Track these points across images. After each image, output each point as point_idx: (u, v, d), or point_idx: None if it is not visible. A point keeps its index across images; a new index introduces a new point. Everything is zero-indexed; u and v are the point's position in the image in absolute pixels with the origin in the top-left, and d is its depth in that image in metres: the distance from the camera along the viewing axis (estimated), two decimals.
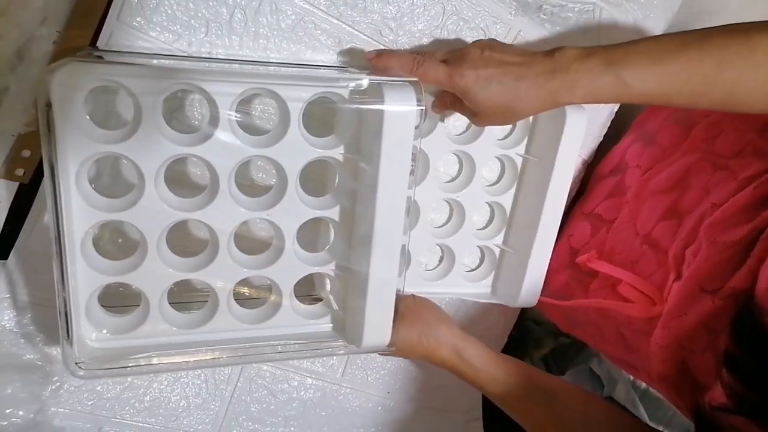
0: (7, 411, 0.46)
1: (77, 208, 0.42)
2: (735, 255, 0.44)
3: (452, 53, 0.48)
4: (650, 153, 0.60)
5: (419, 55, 0.47)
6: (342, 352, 0.53)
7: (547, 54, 0.45)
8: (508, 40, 0.56)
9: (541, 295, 0.64)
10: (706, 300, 0.44)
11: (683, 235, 0.51)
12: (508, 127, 0.59)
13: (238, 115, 0.44)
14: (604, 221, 0.61)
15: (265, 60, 0.49)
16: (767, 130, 0.51)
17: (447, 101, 0.51)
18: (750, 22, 0.42)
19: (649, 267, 0.55)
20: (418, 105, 0.44)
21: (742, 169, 0.50)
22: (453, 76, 0.45)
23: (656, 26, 0.61)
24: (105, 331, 0.46)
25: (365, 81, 0.46)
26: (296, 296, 0.52)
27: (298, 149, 0.46)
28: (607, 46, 0.45)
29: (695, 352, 0.45)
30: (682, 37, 0.43)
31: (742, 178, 0.49)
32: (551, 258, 0.61)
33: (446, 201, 0.59)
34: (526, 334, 0.95)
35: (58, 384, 0.50)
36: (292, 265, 0.50)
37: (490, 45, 0.47)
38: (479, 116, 0.48)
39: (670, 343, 0.47)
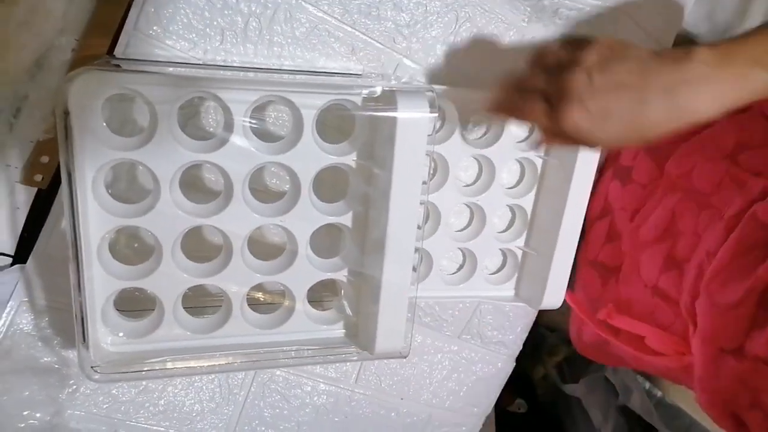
0: (25, 413, 0.47)
1: (93, 213, 0.43)
2: (740, 315, 0.43)
3: (552, 82, 0.40)
4: (631, 192, 0.59)
5: (513, 89, 0.41)
6: (355, 358, 0.53)
7: (672, 59, 0.37)
8: (520, 48, 0.56)
9: (579, 346, 0.63)
10: (730, 361, 0.43)
11: (688, 287, 0.50)
12: (527, 127, 0.59)
13: (253, 122, 0.45)
14: (610, 270, 0.61)
15: (279, 68, 0.49)
16: (740, 154, 0.49)
17: (554, 140, 0.42)
18: None
19: (666, 318, 0.54)
20: (431, 112, 0.44)
21: (725, 205, 0.49)
22: (560, 121, 0.38)
23: (671, 30, 0.61)
24: (120, 335, 0.47)
25: (378, 88, 0.46)
26: (309, 302, 0.52)
27: (311, 156, 0.46)
28: (735, 41, 0.37)
29: (743, 407, 0.44)
30: None
31: (728, 218, 0.47)
32: (577, 311, 0.60)
33: (466, 205, 0.59)
34: (541, 341, 0.94)
35: (74, 387, 0.51)
36: (305, 270, 0.50)
37: (599, 64, 0.38)
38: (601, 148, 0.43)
39: (715, 403, 0.46)
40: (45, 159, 0.47)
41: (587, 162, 0.56)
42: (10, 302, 0.48)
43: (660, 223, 0.55)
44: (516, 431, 0.89)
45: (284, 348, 0.51)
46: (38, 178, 0.48)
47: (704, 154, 0.52)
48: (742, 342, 0.43)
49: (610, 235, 0.61)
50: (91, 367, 0.44)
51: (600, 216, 0.62)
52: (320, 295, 0.54)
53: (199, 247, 0.51)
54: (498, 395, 0.74)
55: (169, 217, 0.44)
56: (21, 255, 0.49)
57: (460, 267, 0.62)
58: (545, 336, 0.94)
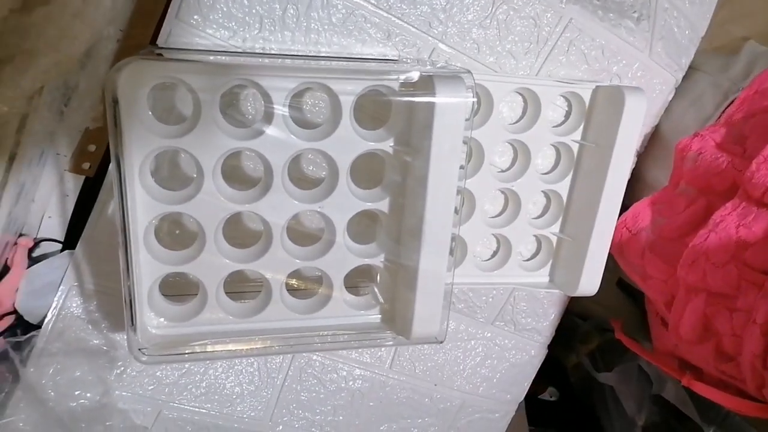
0: (76, 393, 0.49)
1: (141, 200, 0.44)
2: None
3: None
4: (655, 287, 0.58)
5: None
6: (391, 343, 0.53)
7: None
8: (558, 30, 0.55)
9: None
10: None
11: (749, 379, 0.49)
12: (564, 112, 0.58)
13: (291, 110, 0.45)
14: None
15: (317, 54, 0.50)
16: (745, 252, 0.48)
17: None
18: None
19: (741, 383, 0.52)
20: (469, 97, 0.44)
21: (752, 308, 0.48)
22: None
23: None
24: (164, 319, 0.48)
25: (416, 73, 0.46)
26: (346, 288, 0.52)
27: (349, 142, 0.47)
28: None
29: None
30: None
31: (761, 324, 0.47)
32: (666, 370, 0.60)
33: (501, 191, 0.59)
34: (573, 329, 0.93)
35: (122, 368, 0.53)
36: (343, 256, 0.50)
37: None
38: None
39: None
40: (92, 147, 0.48)
41: (625, 147, 0.55)
42: (61, 286, 0.50)
43: (697, 325, 0.54)
44: (547, 419, 0.89)
45: (322, 332, 0.51)
46: (86, 166, 0.49)
47: (709, 260, 0.51)
48: None
49: (661, 320, 0.61)
50: (139, 349, 0.45)
51: (698, 195, 0.59)
52: (356, 281, 0.55)
53: (237, 234, 0.52)
54: (531, 382, 0.74)
55: (212, 203, 0.45)
56: (70, 241, 0.51)
57: (495, 253, 0.62)
58: (578, 324, 0.93)
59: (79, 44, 0.37)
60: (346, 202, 0.49)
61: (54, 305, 0.50)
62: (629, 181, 0.59)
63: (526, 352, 0.71)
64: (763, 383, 0.47)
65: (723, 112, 0.59)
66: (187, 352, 0.47)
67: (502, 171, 0.59)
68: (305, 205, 0.48)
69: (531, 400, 0.79)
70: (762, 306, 0.46)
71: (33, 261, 0.50)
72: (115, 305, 0.51)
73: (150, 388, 0.55)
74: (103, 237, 0.50)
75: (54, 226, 0.51)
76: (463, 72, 0.45)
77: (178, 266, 0.47)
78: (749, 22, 0.81)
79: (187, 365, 0.55)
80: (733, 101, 0.58)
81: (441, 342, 0.52)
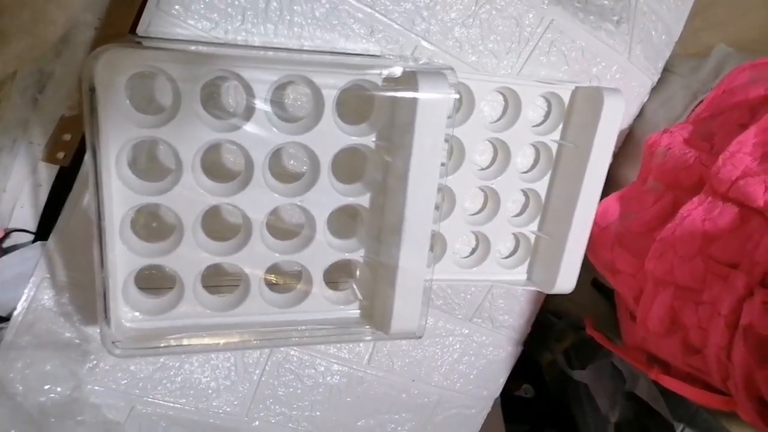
0: (46, 387, 0.48)
1: (117, 190, 0.43)
2: None
3: None
4: (624, 281, 0.59)
5: None
6: (369, 338, 0.53)
7: None
8: (540, 30, 0.56)
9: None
10: None
11: (714, 371, 0.50)
12: (544, 112, 0.59)
13: (273, 103, 0.45)
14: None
15: (300, 48, 0.49)
16: (711, 246, 0.50)
17: None
18: None
19: (707, 377, 0.54)
20: (452, 93, 0.44)
21: (717, 301, 0.49)
22: None
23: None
24: (139, 313, 0.48)
25: (399, 69, 0.46)
26: (325, 283, 0.52)
27: (331, 136, 0.47)
28: None
29: None
30: None
31: (725, 316, 0.48)
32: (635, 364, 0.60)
33: (481, 189, 0.59)
34: (548, 327, 0.95)
35: (94, 362, 0.52)
36: (323, 251, 0.50)
37: None
38: None
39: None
40: (67, 137, 0.47)
41: (603, 147, 0.56)
42: (32, 278, 0.49)
43: (665, 318, 0.55)
44: (522, 415, 0.90)
45: (300, 327, 0.51)
46: (60, 155, 0.48)
47: (677, 253, 0.52)
48: None
49: (630, 314, 0.62)
50: (113, 342, 0.44)
51: (668, 188, 0.60)
52: (336, 276, 0.55)
53: (216, 227, 0.51)
54: (506, 379, 0.75)
55: (191, 195, 0.45)
56: (42, 232, 0.50)
57: (473, 250, 0.63)
58: (553, 322, 0.94)
59: (54, 29, 0.36)
60: (326, 197, 0.48)
61: (24, 297, 0.49)
62: None
63: (503, 349, 0.71)
64: (727, 375, 0.49)
65: (692, 111, 0.60)
66: (162, 345, 0.47)
67: (482, 169, 0.60)
68: (285, 198, 0.47)
69: (507, 397, 0.80)
70: (726, 298, 0.47)
71: (3, 252, 0.49)
72: (88, 298, 0.50)
73: (123, 382, 0.54)
74: (77, 228, 0.49)
75: (26, 217, 0.50)
76: (446, 69, 0.46)
77: (155, 258, 0.46)
78: (722, 31, 0.83)
79: (161, 359, 0.55)
80: (702, 101, 0.60)
81: (419, 337, 0.52)
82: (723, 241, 0.49)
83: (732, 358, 0.47)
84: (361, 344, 0.63)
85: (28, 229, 0.50)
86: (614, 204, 0.62)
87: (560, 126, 0.58)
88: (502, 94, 0.57)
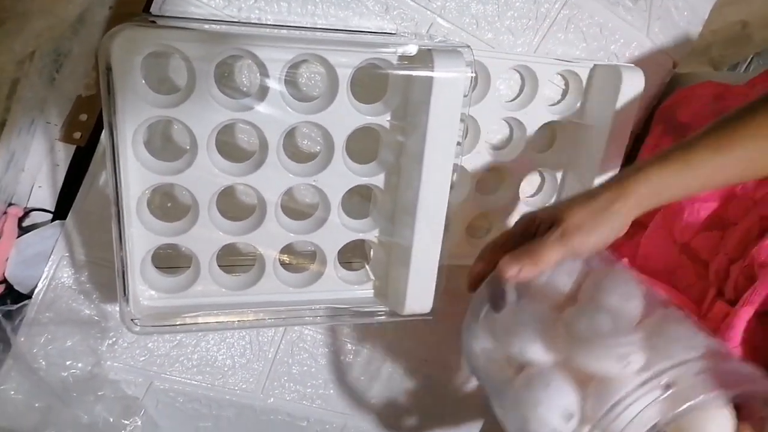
0: (68, 363, 0.49)
1: (134, 170, 0.43)
2: None
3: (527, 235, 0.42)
4: None
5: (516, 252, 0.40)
6: (383, 317, 0.54)
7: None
8: (557, 6, 0.55)
9: None
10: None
11: (728, 248, 0.49)
12: (561, 90, 0.58)
13: (287, 82, 0.45)
14: (638, 224, 0.60)
15: (313, 26, 0.49)
16: None
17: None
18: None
19: (687, 278, 0.53)
20: (468, 72, 0.44)
21: None
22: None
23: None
24: (157, 291, 0.48)
25: (414, 47, 0.45)
26: (339, 263, 0.52)
27: (345, 116, 0.46)
28: (667, 152, 0.41)
29: None
30: (728, 123, 0.40)
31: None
32: None
33: (496, 168, 0.58)
34: None
35: (114, 339, 0.53)
36: (337, 231, 0.50)
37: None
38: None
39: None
40: (84, 117, 0.48)
41: (622, 126, 0.55)
42: (51, 256, 0.50)
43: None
44: None
45: (314, 306, 0.52)
46: (77, 135, 0.48)
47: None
48: None
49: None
50: (132, 320, 0.45)
51: None
52: (349, 256, 0.55)
53: (230, 208, 0.51)
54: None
55: (206, 175, 0.45)
56: (61, 211, 0.50)
57: (488, 231, 0.62)
58: None
59: (72, 8, 0.36)
60: (341, 176, 0.48)
61: (45, 275, 0.50)
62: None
63: None
64: (737, 257, 0.48)
65: None
66: (179, 323, 0.47)
67: (498, 149, 0.59)
68: (300, 178, 0.47)
69: None
70: None
71: (23, 231, 0.50)
72: (106, 276, 0.51)
73: (141, 359, 0.55)
74: (94, 207, 0.50)
75: (44, 196, 0.50)
76: (463, 47, 0.45)
77: (171, 237, 0.47)
78: (746, 6, 0.80)
79: (179, 337, 0.55)
80: None
81: (431, 317, 0.52)
82: None
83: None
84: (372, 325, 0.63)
85: (46, 208, 0.51)
86: (712, 86, 0.60)
87: (578, 104, 0.57)
88: (518, 72, 0.56)
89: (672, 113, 0.59)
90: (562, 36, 0.57)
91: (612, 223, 0.40)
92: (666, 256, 0.56)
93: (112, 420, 0.49)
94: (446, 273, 0.51)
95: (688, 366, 0.34)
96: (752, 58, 0.91)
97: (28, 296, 0.50)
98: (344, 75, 0.45)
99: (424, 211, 0.48)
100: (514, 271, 0.39)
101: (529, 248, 0.39)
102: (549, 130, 0.60)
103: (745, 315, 0.45)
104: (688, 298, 0.52)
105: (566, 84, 0.58)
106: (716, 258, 0.50)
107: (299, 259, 0.54)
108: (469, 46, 0.45)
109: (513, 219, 0.61)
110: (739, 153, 0.39)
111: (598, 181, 0.56)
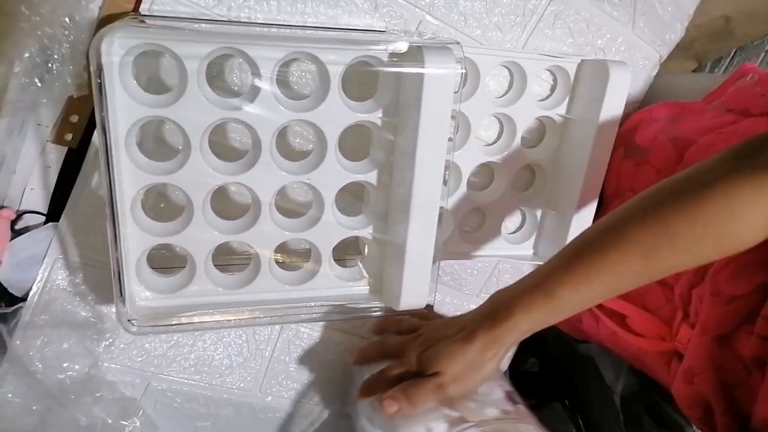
0: (65, 365, 0.49)
1: (127, 171, 0.43)
2: (738, 308, 0.44)
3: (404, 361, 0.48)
4: (644, 174, 0.59)
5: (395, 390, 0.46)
6: (379, 313, 0.54)
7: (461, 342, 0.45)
8: (544, 3, 0.55)
9: None
10: (716, 349, 0.45)
11: (688, 274, 0.50)
12: (549, 86, 0.59)
13: (278, 81, 0.45)
14: None
15: (303, 24, 0.49)
16: None
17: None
18: (635, 205, 0.39)
19: (656, 301, 0.55)
20: (458, 68, 0.44)
21: None
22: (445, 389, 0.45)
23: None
24: (152, 291, 0.48)
25: (405, 44, 0.46)
26: (334, 260, 0.53)
27: (337, 113, 0.47)
28: (525, 276, 0.44)
29: (717, 399, 0.46)
30: (595, 239, 0.40)
31: None
32: None
33: (487, 164, 0.59)
34: None
35: (110, 341, 0.53)
36: (331, 228, 0.51)
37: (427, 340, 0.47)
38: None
39: (694, 396, 0.47)
40: (75, 118, 0.48)
41: (609, 120, 0.56)
42: (45, 259, 0.50)
43: None
44: (529, 390, 0.91)
45: (310, 303, 0.52)
46: (68, 137, 0.48)
47: (728, 146, 0.52)
48: (731, 333, 0.44)
49: None
50: (128, 320, 0.45)
51: (614, 195, 0.62)
52: (344, 253, 0.56)
53: (224, 207, 0.52)
54: (514, 353, 0.76)
55: (200, 174, 0.45)
56: (53, 213, 0.50)
57: (480, 226, 0.63)
58: None
59: (61, 8, 0.36)
60: (334, 174, 0.49)
61: (39, 278, 0.50)
62: None
63: None
64: (697, 282, 0.49)
65: None
66: (175, 323, 0.47)
67: (488, 144, 0.60)
68: (294, 176, 0.48)
69: (513, 372, 0.81)
70: None
71: (16, 233, 0.50)
72: (101, 277, 0.51)
73: (138, 360, 0.55)
74: (87, 209, 0.50)
75: (36, 199, 0.50)
76: (452, 43, 0.46)
77: (166, 237, 0.47)
78: (728, 1, 0.82)
79: (175, 337, 0.56)
80: None
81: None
82: None
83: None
84: (368, 320, 0.64)
85: (39, 210, 0.50)
86: (668, 107, 0.61)
87: (566, 100, 0.58)
88: (507, 68, 0.57)
89: (630, 137, 0.61)
90: (549, 32, 0.57)
91: (484, 371, 0.45)
92: None
93: (110, 421, 0.49)
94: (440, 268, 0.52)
95: None
96: (735, 52, 0.93)
97: (23, 299, 0.50)
98: (335, 73, 0.45)
99: (418, 206, 0.48)
100: (393, 410, 0.45)
101: (408, 392, 0.45)
102: (539, 125, 0.60)
103: (703, 343, 0.46)
104: (659, 319, 0.54)
105: (554, 79, 0.59)
106: (679, 282, 0.51)
107: (294, 258, 0.55)
108: (458, 43, 0.46)
109: (505, 214, 0.62)
110: (598, 286, 0.40)
111: (589, 172, 0.57)
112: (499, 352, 0.44)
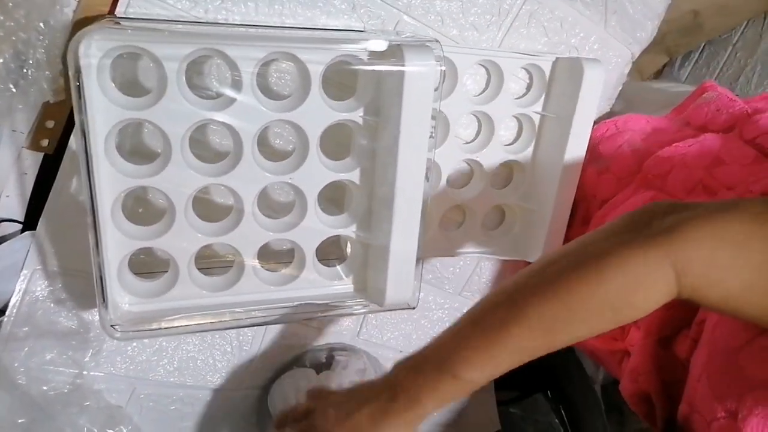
0: (49, 376, 0.48)
1: (107, 174, 0.43)
2: (681, 312, 0.45)
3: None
4: (605, 182, 0.61)
5: None
6: (364, 310, 0.54)
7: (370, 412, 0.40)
8: (519, 2, 0.57)
9: None
10: (659, 351, 0.47)
11: None
12: (525, 84, 0.60)
13: (258, 81, 0.45)
14: None
15: (282, 25, 0.49)
16: (715, 167, 0.52)
17: None
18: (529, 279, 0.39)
19: None
20: (438, 65, 0.45)
21: None
22: None
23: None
24: (135, 296, 0.48)
25: (384, 43, 0.46)
26: (318, 259, 0.53)
27: (318, 113, 0.47)
28: (427, 349, 0.41)
29: (656, 392, 0.47)
30: (496, 315, 0.38)
31: None
32: None
33: (466, 162, 0.60)
34: None
35: (94, 349, 0.52)
36: (315, 227, 0.51)
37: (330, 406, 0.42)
38: None
39: (638, 393, 0.49)
40: (50, 123, 0.47)
41: (584, 117, 0.57)
42: (23, 270, 0.49)
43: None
44: (511, 382, 0.92)
45: (294, 303, 0.52)
46: (44, 142, 0.47)
47: (683, 161, 0.54)
48: (672, 336, 0.46)
49: (584, 219, 0.63)
50: (112, 326, 0.45)
51: (579, 200, 0.64)
52: (327, 252, 0.56)
53: (205, 210, 0.51)
54: None
55: (181, 177, 0.45)
56: (30, 221, 0.49)
57: (461, 224, 0.64)
58: None
59: (36, 13, 0.35)
60: (316, 173, 0.49)
61: (18, 289, 0.49)
62: None
63: None
64: None
65: None
66: (161, 327, 0.47)
67: (467, 142, 0.60)
68: (276, 177, 0.48)
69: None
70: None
71: None
72: (81, 286, 0.50)
73: (123, 366, 0.54)
74: (64, 216, 0.49)
75: (13, 206, 0.49)
76: (431, 41, 0.46)
77: (148, 241, 0.46)
78: None
79: (159, 342, 0.55)
80: None
81: (414, 308, 0.53)
82: (729, 168, 0.51)
83: None
84: (351, 319, 0.64)
85: (15, 218, 0.49)
86: (640, 120, 0.64)
87: (542, 97, 0.59)
88: (484, 67, 0.58)
89: (595, 146, 0.63)
90: (524, 31, 0.58)
91: None
92: None
93: (96, 431, 0.48)
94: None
95: None
96: (704, 46, 0.96)
97: (2, 311, 0.49)
98: (316, 72, 0.45)
99: (401, 204, 0.49)
100: None
101: None
102: (516, 122, 0.62)
103: (647, 345, 0.48)
104: None
105: (530, 77, 0.60)
106: None
107: (279, 257, 0.55)
108: (437, 41, 0.46)
109: (484, 211, 0.62)
110: (502, 362, 0.38)
111: (565, 168, 0.58)
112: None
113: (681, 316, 0.46)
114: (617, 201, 0.58)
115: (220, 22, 0.48)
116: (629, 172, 0.59)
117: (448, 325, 0.68)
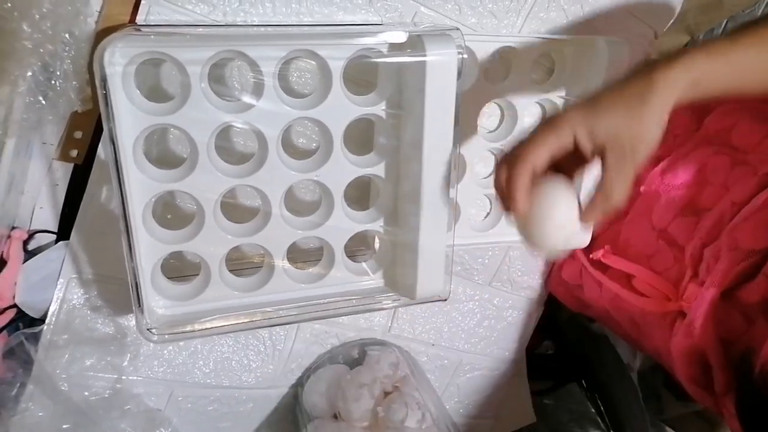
0: (90, 381, 0.49)
1: (136, 180, 0.43)
2: (757, 261, 0.45)
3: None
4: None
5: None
6: (395, 305, 0.54)
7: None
8: None
9: (552, 281, 0.65)
10: (727, 305, 0.46)
11: (702, 233, 0.51)
12: (547, 69, 0.59)
13: (280, 80, 0.45)
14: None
15: (300, 23, 0.49)
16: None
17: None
18: None
19: (664, 262, 0.55)
20: (459, 54, 0.44)
21: (762, 163, 0.50)
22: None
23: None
24: (169, 299, 0.48)
25: (403, 34, 0.46)
26: (347, 255, 0.53)
27: (341, 108, 0.47)
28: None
29: (717, 355, 0.46)
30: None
31: (762, 174, 0.48)
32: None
33: (491, 152, 0.59)
34: None
35: (132, 353, 0.53)
36: (342, 224, 0.51)
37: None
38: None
39: (692, 349, 0.48)
40: (78, 134, 0.48)
41: None
42: (60, 279, 0.50)
43: (688, 170, 0.56)
44: (545, 372, 0.91)
45: (326, 300, 0.52)
46: (74, 153, 0.48)
47: (749, 114, 0.53)
48: (737, 287, 0.45)
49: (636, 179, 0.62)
50: (148, 329, 0.45)
51: None
52: (355, 249, 0.56)
53: (232, 212, 0.52)
54: (529, 339, 0.76)
55: (209, 179, 0.45)
56: (64, 231, 0.50)
57: (488, 214, 0.63)
58: None
59: (61, 24, 0.36)
60: (341, 169, 0.49)
61: (55, 298, 0.50)
62: None
63: (523, 311, 0.72)
64: (710, 240, 0.50)
65: None
66: (195, 329, 0.47)
67: (491, 131, 0.60)
68: (302, 174, 0.48)
69: (528, 355, 0.81)
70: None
71: (29, 254, 0.50)
72: (115, 292, 0.51)
73: (161, 369, 0.55)
74: (96, 224, 0.50)
75: (46, 217, 0.50)
76: (451, 29, 0.46)
77: (179, 245, 0.47)
78: None
79: (194, 344, 0.56)
80: None
81: (445, 299, 0.53)
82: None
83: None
84: (381, 314, 0.64)
85: (49, 229, 0.50)
86: None
87: (565, 81, 0.58)
88: (504, 53, 0.57)
89: None
90: (544, 15, 0.57)
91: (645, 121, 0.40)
92: (645, 242, 0.58)
93: None
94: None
95: None
96: (726, 23, 0.93)
97: (42, 320, 0.50)
98: (337, 68, 0.45)
99: (428, 195, 0.48)
100: None
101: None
102: (539, 108, 0.61)
103: (708, 296, 0.47)
104: (666, 280, 0.54)
105: (552, 62, 0.59)
106: (691, 242, 0.52)
107: (306, 257, 0.55)
108: (457, 29, 0.46)
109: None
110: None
111: None
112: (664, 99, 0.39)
113: (755, 266, 0.45)
114: (674, 159, 0.57)
115: (238, 24, 0.48)
116: (686, 130, 0.57)
117: (479, 316, 0.69)
